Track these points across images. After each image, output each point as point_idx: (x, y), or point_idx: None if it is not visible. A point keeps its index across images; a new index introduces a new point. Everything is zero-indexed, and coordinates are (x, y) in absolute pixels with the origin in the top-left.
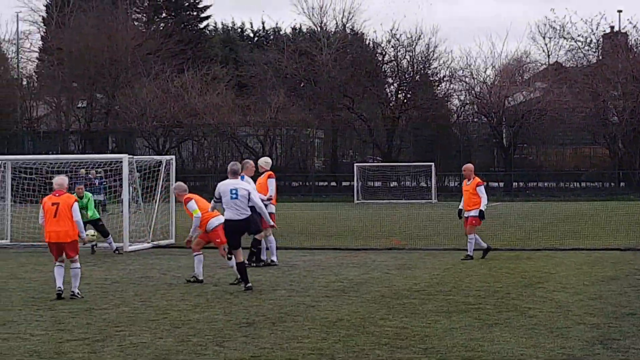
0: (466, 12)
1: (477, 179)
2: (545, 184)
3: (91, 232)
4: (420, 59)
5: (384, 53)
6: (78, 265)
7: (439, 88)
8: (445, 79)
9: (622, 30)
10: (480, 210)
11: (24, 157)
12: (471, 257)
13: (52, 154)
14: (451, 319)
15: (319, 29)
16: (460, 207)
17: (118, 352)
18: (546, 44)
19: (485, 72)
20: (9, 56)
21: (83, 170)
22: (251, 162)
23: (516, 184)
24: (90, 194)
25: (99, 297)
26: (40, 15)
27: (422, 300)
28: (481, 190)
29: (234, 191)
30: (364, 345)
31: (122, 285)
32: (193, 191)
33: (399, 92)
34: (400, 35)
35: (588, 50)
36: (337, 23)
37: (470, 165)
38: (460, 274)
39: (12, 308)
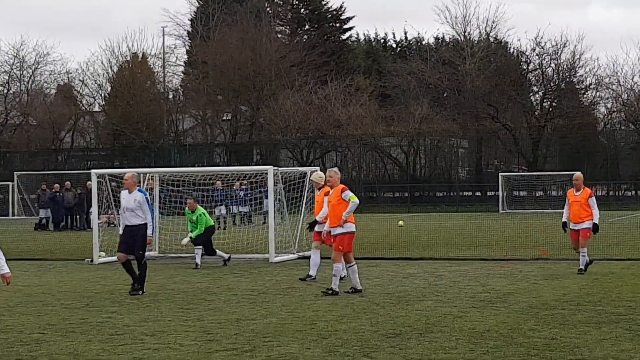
0: (615, 19)
1: (589, 190)
2: None
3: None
4: (565, 66)
5: (528, 61)
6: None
7: (585, 96)
8: (591, 86)
9: None
10: (595, 223)
11: (171, 170)
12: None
13: (198, 166)
14: (601, 329)
15: (462, 38)
16: (564, 219)
17: None
18: None
19: (632, 79)
20: (156, 70)
21: (219, 183)
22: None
23: None
24: (202, 209)
25: (246, 307)
26: (185, 30)
27: (571, 311)
28: (593, 201)
29: None
30: (513, 356)
31: (268, 296)
32: None
33: (544, 100)
34: (545, 43)
35: None
36: (480, 32)
37: (580, 175)
38: (609, 285)
39: (162, 319)
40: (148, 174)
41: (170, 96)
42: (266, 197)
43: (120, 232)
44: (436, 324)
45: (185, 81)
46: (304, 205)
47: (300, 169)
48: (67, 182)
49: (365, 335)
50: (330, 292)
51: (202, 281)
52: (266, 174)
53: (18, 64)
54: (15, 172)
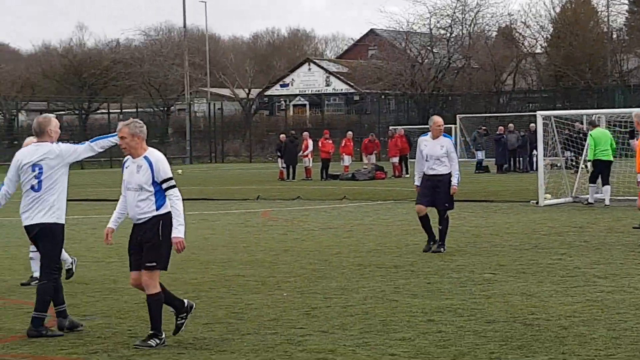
0: None
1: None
2: None
3: None
4: None
5: None
6: None
7: None
8: None
9: None
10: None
11: (615, 111)
12: None
13: None
14: None
15: None
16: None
17: None
18: None
19: None
20: (599, 9)
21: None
22: None
23: None
24: (595, 132)
25: None
26: None
27: None
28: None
29: None
30: None
31: None
32: None
33: None
34: None
35: None
36: None
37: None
38: None
39: (613, 261)
40: (594, 116)
41: (614, 36)
42: None
43: (417, 182)
44: None
45: (630, 20)
46: None
47: None
48: (510, 125)
49: None
50: None
51: None
52: None
53: (460, 8)
54: (457, 115)
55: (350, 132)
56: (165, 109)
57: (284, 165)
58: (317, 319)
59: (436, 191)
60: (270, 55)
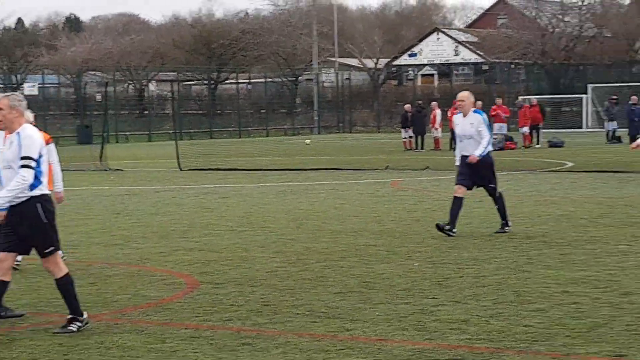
0: None
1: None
2: None
3: None
4: None
5: None
6: None
7: None
8: None
9: None
10: None
11: None
12: None
13: None
14: None
15: None
16: None
17: None
18: None
19: None
20: None
21: None
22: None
23: None
24: None
25: None
26: None
27: None
28: None
29: None
30: None
31: None
32: None
33: None
34: None
35: None
36: None
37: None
38: None
39: None
40: None
41: None
42: None
43: (457, 162)
44: None
45: None
46: None
47: None
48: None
49: None
50: None
51: None
52: None
53: None
54: (588, 85)
55: (479, 102)
56: (294, 79)
57: (411, 135)
58: (450, 289)
59: (475, 172)
60: (399, 25)
